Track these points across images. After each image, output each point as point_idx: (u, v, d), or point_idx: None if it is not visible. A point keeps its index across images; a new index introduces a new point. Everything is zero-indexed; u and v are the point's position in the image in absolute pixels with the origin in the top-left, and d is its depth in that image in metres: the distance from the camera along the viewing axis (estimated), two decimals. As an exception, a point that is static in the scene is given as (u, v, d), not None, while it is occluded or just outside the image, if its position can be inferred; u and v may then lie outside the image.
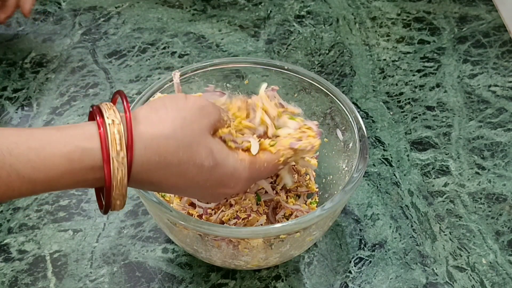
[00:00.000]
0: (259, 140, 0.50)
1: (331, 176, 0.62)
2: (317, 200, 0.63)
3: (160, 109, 0.43)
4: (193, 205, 0.59)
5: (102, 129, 0.39)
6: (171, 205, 0.58)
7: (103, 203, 0.42)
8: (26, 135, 0.38)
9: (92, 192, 0.66)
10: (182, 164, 0.42)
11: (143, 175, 0.42)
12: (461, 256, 0.62)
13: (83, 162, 0.39)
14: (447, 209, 0.66)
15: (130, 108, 0.42)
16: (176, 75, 0.57)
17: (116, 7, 0.92)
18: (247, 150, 0.49)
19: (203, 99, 0.46)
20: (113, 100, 0.44)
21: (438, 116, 0.76)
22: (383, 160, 0.71)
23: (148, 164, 0.41)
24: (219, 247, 0.53)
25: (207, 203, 0.56)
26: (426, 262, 0.61)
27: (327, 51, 0.85)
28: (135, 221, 0.64)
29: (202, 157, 0.43)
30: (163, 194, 0.60)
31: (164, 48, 0.85)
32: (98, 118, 0.40)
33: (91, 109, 0.42)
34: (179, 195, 0.56)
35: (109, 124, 0.39)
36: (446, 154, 0.72)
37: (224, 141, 0.48)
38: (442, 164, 0.70)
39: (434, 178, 0.69)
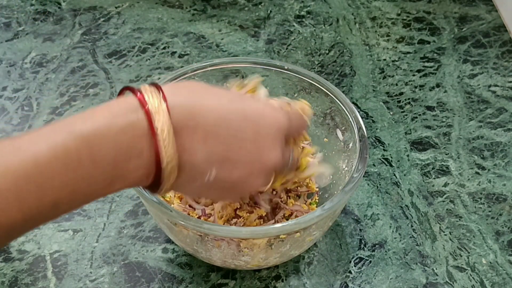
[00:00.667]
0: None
1: (331, 176, 0.62)
2: (317, 200, 0.63)
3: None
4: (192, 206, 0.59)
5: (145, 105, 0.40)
6: (171, 205, 0.58)
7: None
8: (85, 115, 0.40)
9: (92, 192, 0.66)
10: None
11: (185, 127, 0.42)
12: (461, 256, 0.62)
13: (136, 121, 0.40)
14: (447, 209, 0.66)
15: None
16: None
17: (116, 7, 0.92)
18: None
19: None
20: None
21: (438, 116, 0.76)
22: (383, 160, 0.71)
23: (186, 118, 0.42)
24: (219, 247, 0.53)
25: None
26: (426, 262, 0.61)
27: (327, 51, 0.85)
28: (135, 221, 0.64)
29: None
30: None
31: (164, 48, 0.85)
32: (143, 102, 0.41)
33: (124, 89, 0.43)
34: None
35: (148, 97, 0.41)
36: (446, 154, 0.72)
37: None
38: (442, 164, 0.70)
39: (434, 178, 0.69)
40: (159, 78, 0.77)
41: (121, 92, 0.44)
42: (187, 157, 0.42)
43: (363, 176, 0.66)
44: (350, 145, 0.59)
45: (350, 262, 0.61)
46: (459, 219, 0.65)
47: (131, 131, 0.39)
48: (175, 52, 0.84)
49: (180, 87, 0.44)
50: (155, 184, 0.42)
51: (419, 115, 0.76)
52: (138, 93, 0.41)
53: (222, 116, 0.43)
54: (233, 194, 0.48)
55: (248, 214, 0.56)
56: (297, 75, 0.62)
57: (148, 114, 0.40)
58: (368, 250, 0.62)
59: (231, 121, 0.43)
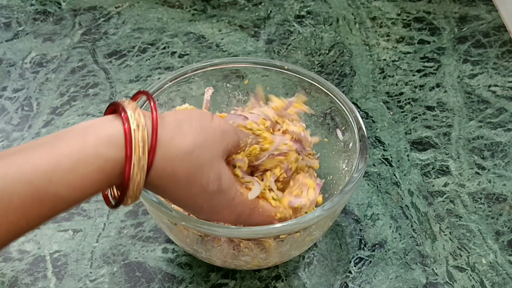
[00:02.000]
0: (265, 188, 0.51)
1: (331, 176, 0.62)
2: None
3: (184, 123, 0.44)
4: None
5: (127, 135, 0.40)
6: (171, 205, 0.58)
7: (110, 199, 0.44)
8: (56, 155, 0.38)
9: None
10: (189, 180, 0.44)
11: (154, 181, 0.43)
12: (461, 256, 0.62)
13: (114, 171, 0.40)
14: (447, 209, 0.66)
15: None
16: (208, 92, 0.59)
17: (116, 7, 0.92)
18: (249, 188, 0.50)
19: (227, 123, 0.48)
20: (134, 98, 0.46)
21: (438, 116, 0.76)
22: (383, 160, 0.71)
23: (161, 173, 0.42)
24: (219, 247, 0.53)
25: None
26: (426, 262, 0.61)
27: (327, 51, 0.85)
28: (135, 221, 0.64)
29: (209, 180, 0.45)
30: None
31: (164, 48, 0.85)
32: (123, 117, 0.40)
33: (111, 105, 0.43)
34: (178, 206, 0.57)
35: (134, 129, 0.40)
36: (446, 154, 0.72)
37: (234, 166, 0.49)
38: (442, 164, 0.70)
39: (434, 178, 0.69)
40: (159, 78, 0.77)
41: (111, 108, 0.43)
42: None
43: (363, 176, 0.66)
44: (350, 145, 0.59)
45: (350, 262, 0.61)
46: (459, 219, 0.65)
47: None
48: (175, 52, 0.84)
49: (176, 167, 0.43)
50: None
51: (419, 115, 0.76)
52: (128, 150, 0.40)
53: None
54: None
55: None
56: (297, 75, 0.62)
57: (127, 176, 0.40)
58: (368, 250, 0.62)
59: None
